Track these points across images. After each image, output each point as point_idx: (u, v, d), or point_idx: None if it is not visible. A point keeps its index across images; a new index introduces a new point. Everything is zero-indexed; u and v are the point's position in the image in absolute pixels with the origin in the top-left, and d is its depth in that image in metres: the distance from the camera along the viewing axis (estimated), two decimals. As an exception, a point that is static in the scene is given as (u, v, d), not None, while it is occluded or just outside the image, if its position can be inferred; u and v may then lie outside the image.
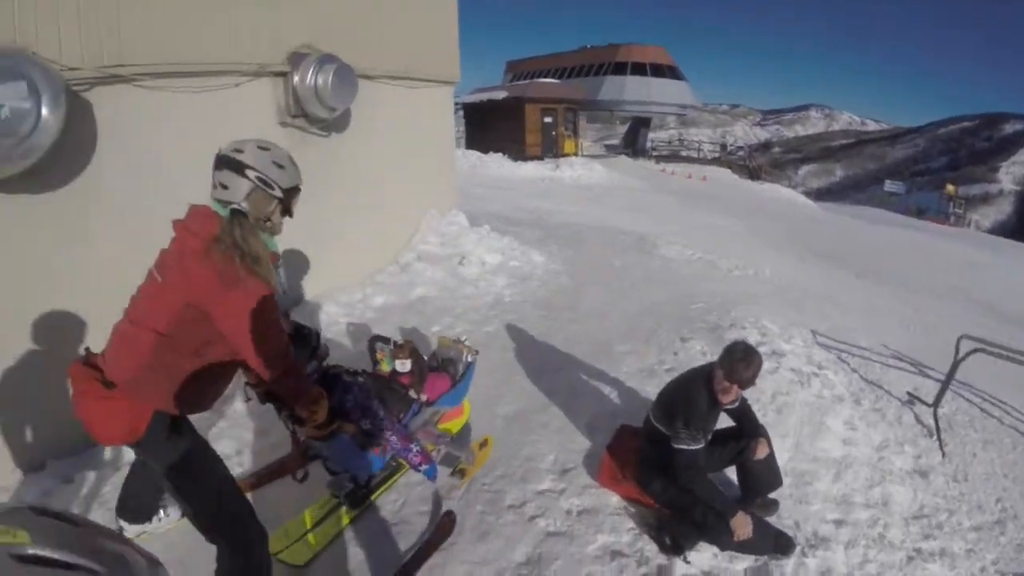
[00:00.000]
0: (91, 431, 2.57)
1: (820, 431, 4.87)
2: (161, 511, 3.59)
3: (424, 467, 3.70)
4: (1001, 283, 16.58)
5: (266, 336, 2.53)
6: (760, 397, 4.90)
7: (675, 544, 3.57)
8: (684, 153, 46.76)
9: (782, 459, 4.18)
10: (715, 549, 3.60)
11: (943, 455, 5.12)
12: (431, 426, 4.16)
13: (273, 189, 2.61)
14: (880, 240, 21.18)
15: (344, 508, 3.81)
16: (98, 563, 0.84)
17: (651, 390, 5.23)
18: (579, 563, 3.50)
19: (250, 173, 2.55)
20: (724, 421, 3.94)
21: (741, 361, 3.47)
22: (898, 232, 24.78)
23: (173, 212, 4.74)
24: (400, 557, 3.52)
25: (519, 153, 31.37)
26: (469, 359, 4.54)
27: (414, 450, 3.65)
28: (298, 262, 6.16)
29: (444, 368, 4.46)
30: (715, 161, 43.20)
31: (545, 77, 40.48)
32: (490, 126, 34.27)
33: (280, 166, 2.64)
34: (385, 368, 4.15)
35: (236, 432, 4.64)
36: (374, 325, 6.16)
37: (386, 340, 4.31)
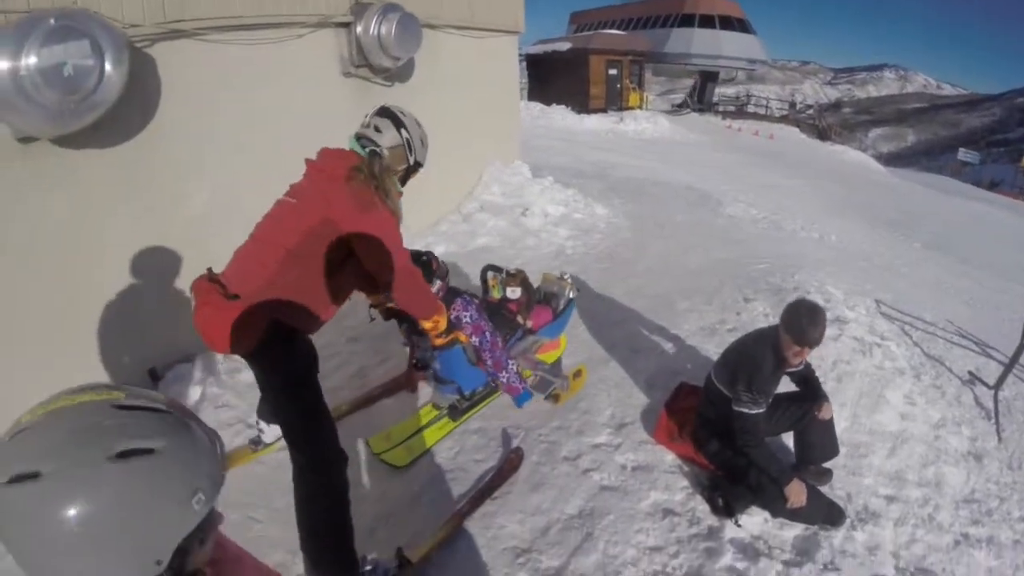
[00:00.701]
0: (208, 340, 2.77)
1: (879, 403, 4.82)
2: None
3: (514, 396, 4.21)
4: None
5: (392, 255, 2.88)
6: (820, 364, 4.84)
7: (727, 506, 3.58)
8: (751, 110, 45.57)
9: (839, 429, 4.16)
10: (766, 514, 3.62)
11: (999, 440, 5.03)
12: (530, 353, 4.56)
13: (411, 155, 3.10)
14: (951, 212, 20.49)
15: (444, 420, 4.23)
16: (176, 411, 1.08)
17: (711, 349, 5.25)
18: (631, 519, 3.55)
19: (403, 132, 3.03)
20: (785, 386, 3.92)
21: (809, 323, 3.42)
22: (971, 205, 23.90)
23: (235, 163, 4.92)
24: (482, 475, 3.88)
25: (583, 105, 30.83)
26: (571, 295, 4.89)
27: (511, 372, 4.14)
28: None
29: (547, 302, 4.82)
30: (783, 119, 41.97)
31: (610, 28, 39.38)
32: (553, 78, 33.58)
33: (423, 144, 3.16)
34: (496, 295, 4.60)
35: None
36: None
37: (499, 269, 4.74)
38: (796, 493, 3.46)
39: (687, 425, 4.04)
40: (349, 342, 5.23)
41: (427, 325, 3.45)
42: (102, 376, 4.32)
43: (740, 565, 3.32)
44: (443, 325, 3.51)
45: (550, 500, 3.66)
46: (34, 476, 0.91)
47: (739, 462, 3.63)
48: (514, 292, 4.53)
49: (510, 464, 3.91)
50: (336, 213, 2.75)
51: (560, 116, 27.38)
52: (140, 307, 4.48)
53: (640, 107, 32.73)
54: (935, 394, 5.28)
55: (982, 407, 5.35)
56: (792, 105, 50.18)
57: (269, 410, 3.76)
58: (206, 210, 4.82)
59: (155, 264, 4.55)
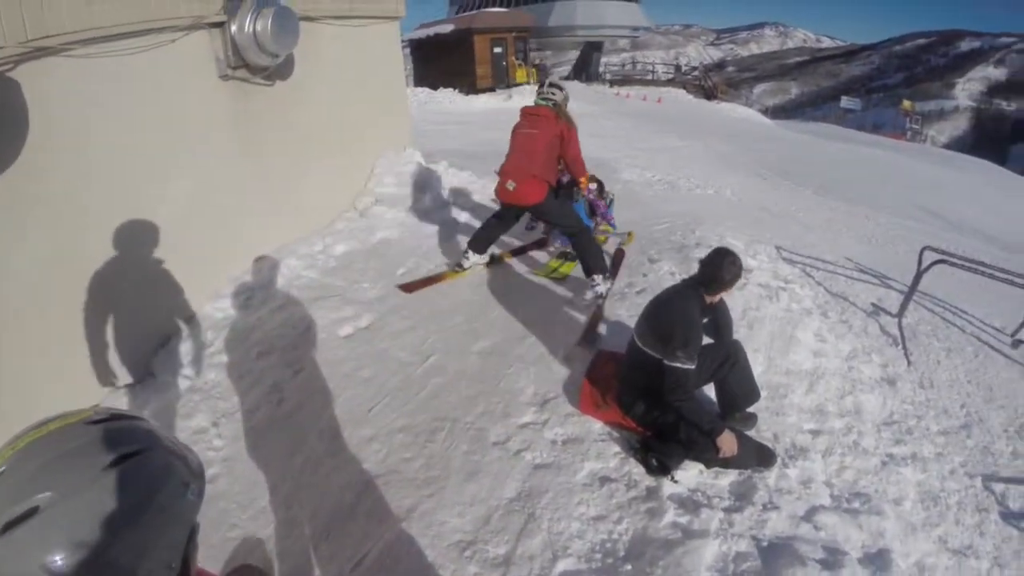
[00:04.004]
0: (524, 200, 5.58)
1: (791, 344, 4.97)
2: (489, 253, 6.40)
3: (612, 222, 7.24)
4: (958, 197, 17.04)
5: (578, 149, 5.74)
6: (731, 314, 4.94)
7: (661, 465, 3.60)
8: (638, 76, 46.34)
9: (756, 373, 4.25)
10: (700, 467, 3.67)
11: (909, 363, 5.25)
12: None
13: (568, 102, 5.80)
14: (838, 157, 21.37)
15: (567, 261, 6.46)
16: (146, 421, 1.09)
17: (623, 313, 5.30)
18: (569, 492, 3.53)
19: (565, 92, 5.79)
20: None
21: (722, 268, 3.56)
22: (856, 148, 25.00)
23: (121, 180, 4.60)
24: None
25: (470, 86, 30.63)
26: (611, 198, 7.45)
27: (610, 215, 7.20)
28: (254, 216, 5.93)
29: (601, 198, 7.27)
30: (670, 82, 42.89)
31: (493, 6, 39.29)
32: (439, 61, 33.20)
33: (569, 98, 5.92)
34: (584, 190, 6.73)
35: (210, 403, 4.61)
36: (337, 275, 6.07)
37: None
38: (728, 443, 3.50)
39: (610, 391, 4.03)
40: (259, 357, 5.00)
41: (583, 179, 6.00)
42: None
43: (683, 520, 3.35)
44: (586, 181, 6.18)
45: (486, 488, 3.60)
46: (31, 512, 0.88)
47: (667, 420, 3.65)
48: (592, 184, 6.88)
49: (619, 255, 6.54)
50: (560, 131, 5.54)
51: (448, 99, 27.12)
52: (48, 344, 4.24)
53: (528, 82, 32.77)
54: (843, 328, 5.48)
55: (888, 335, 5.57)
56: (677, 68, 51.28)
57: (478, 244, 6.19)
58: (96, 235, 4.50)
59: (50, 296, 4.23)
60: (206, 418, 4.43)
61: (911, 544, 3.48)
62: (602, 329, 5.18)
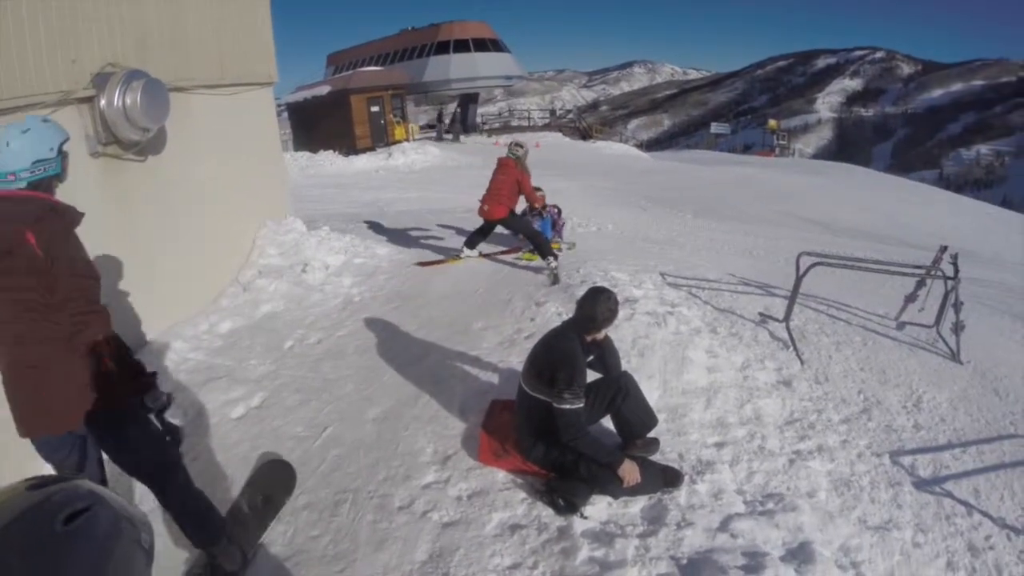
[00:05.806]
0: (493, 216, 8.05)
1: (684, 365, 5.04)
2: (477, 250, 8.64)
3: (557, 233, 9.42)
4: (829, 202, 18.17)
5: (531, 187, 8.28)
6: (621, 345, 4.93)
7: (569, 504, 3.58)
8: (515, 123, 47.35)
9: (652, 398, 4.32)
10: (608, 499, 3.66)
11: (802, 363, 5.41)
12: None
13: (528, 156, 8.48)
14: (713, 180, 22.34)
15: (531, 252, 8.24)
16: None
17: (514, 360, 5.25)
18: (481, 546, 3.45)
19: (526, 148, 8.41)
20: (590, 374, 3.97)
21: (604, 304, 3.65)
22: (729, 169, 26.25)
23: None
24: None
25: (350, 147, 30.38)
26: (564, 220, 9.96)
27: (560, 226, 9.53)
28: (134, 301, 5.58)
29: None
30: (546, 127, 44.05)
31: (368, 66, 39.43)
32: (317, 123, 32.92)
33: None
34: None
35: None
36: (224, 354, 5.81)
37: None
38: (629, 472, 3.53)
39: (509, 439, 4.01)
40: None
41: (538, 203, 8.52)
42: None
43: (598, 553, 3.33)
44: (540, 203, 8.62)
45: (397, 555, 3.47)
46: None
47: (567, 458, 3.65)
48: (554, 208, 9.41)
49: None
50: (518, 176, 8.00)
51: (329, 162, 26.63)
52: None
53: (407, 139, 32.83)
54: (734, 341, 5.63)
55: (778, 340, 5.75)
56: (553, 112, 52.86)
57: (471, 243, 8.55)
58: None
59: None
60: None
61: (831, 531, 3.55)
62: (495, 381, 5.15)
